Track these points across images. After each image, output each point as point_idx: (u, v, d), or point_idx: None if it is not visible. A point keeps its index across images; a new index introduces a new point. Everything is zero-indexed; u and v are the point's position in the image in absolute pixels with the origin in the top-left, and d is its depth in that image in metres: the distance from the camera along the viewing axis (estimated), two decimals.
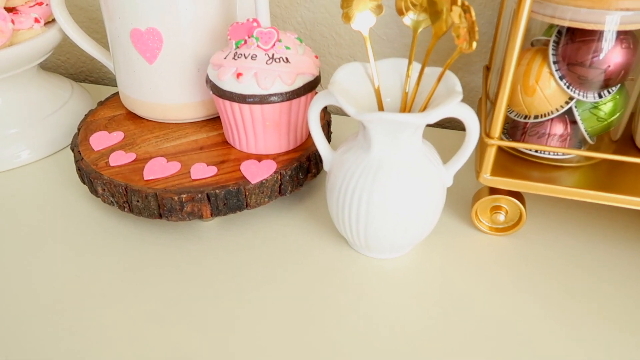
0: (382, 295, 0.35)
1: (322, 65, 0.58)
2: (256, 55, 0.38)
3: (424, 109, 0.34)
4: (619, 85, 0.36)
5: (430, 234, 0.39)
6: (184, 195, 0.37)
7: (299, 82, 0.39)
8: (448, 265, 0.38)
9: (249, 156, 0.41)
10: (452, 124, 0.56)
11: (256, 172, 0.39)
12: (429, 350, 0.32)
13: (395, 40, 0.54)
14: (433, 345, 0.32)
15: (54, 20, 0.51)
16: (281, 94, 0.38)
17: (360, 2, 0.34)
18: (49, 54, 0.50)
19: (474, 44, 0.29)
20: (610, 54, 0.34)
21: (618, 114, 0.37)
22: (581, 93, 0.36)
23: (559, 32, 0.35)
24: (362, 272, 0.37)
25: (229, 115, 0.40)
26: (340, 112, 0.58)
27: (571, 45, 0.35)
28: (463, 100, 0.38)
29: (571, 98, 0.36)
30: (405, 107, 0.36)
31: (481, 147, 0.38)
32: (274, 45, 0.38)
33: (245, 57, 0.38)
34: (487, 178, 0.38)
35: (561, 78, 0.36)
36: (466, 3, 0.29)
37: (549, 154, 0.39)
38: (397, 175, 0.33)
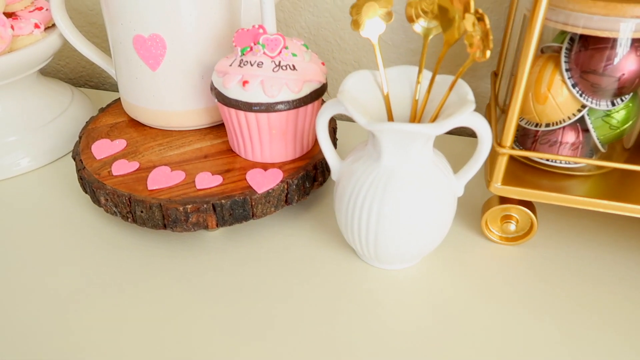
0: (392, 306, 0.35)
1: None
2: (262, 63, 0.37)
3: (435, 117, 0.33)
4: (631, 93, 0.35)
5: (440, 244, 0.38)
6: (189, 206, 0.36)
7: (306, 90, 0.38)
8: (458, 275, 0.37)
9: (254, 165, 0.40)
10: (459, 130, 0.55)
11: (262, 182, 0.38)
12: None
13: (401, 45, 0.53)
14: (446, 356, 0.31)
15: (54, 25, 0.50)
16: (288, 102, 0.37)
17: (369, 9, 0.33)
18: (49, 60, 0.49)
19: (488, 53, 0.29)
20: (624, 62, 0.33)
21: (631, 122, 0.37)
22: (594, 101, 0.35)
23: (571, 39, 0.35)
24: (372, 283, 0.36)
25: (234, 123, 0.39)
26: (345, 117, 0.57)
27: (584, 52, 0.34)
28: None
29: (583, 106, 0.36)
30: (415, 115, 0.35)
31: (492, 156, 0.37)
32: (280, 52, 0.37)
33: (252, 65, 0.37)
34: (498, 187, 0.37)
35: (574, 86, 0.35)
36: (480, 11, 0.28)
37: (561, 163, 0.38)
38: (408, 186, 0.33)
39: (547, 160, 0.38)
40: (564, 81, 0.35)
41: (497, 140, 0.36)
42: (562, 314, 0.34)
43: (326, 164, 0.42)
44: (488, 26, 0.28)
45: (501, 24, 0.50)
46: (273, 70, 0.37)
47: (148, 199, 0.37)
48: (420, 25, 0.34)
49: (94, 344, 0.32)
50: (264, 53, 0.37)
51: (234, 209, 0.37)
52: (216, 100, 0.39)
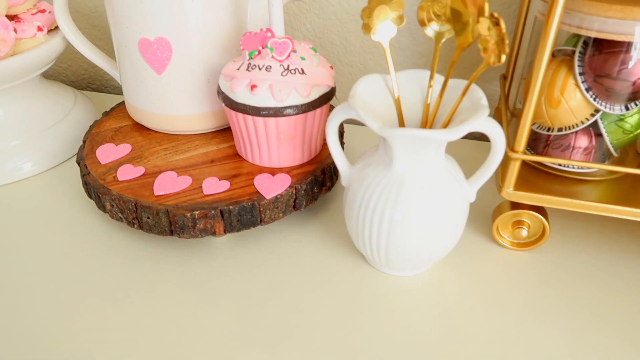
0: (404, 313, 0.34)
1: None
2: (271, 67, 0.36)
3: (448, 122, 0.33)
4: None
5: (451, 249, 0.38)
6: (197, 212, 0.36)
7: (315, 94, 0.37)
8: (469, 282, 0.36)
9: (262, 170, 0.40)
10: (467, 133, 0.55)
11: (270, 187, 0.38)
12: None
13: (408, 48, 0.53)
14: None
15: (56, 27, 0.49)
16: (297, 106, 0.37)
17: (381, 12, 0.33)
18: (51, 63, 0.48)
19: (504, 57, 0.28)
20: (639, 66, 0.33)
21: None
22: (608, 105, 0.35)
23: (585, 43, 0.34)
24: (383, 290, 0.36)
25: (241, 127, 0.39)
26: (351, 120, 0.56)
27: (598, 56, 0.34)
28: None
29: (597, 110, 0.35)
30: (427, 120, 0.35)
31: (503, 161, 0.37)
32: (289, 55, 0.37)
33: (260, 69, 0.37)
34: (510, 193, 0.36)
35: (587, 90, 0.35)
36: (495, 14, 0.28)
37: (573, 168, 0.38)
38: (420, 192, 0.32)
39: (559, 165, 0.38)
40: (577, 85, 0.35)
41: (509, 145, 0.35)
42: (573, 322, 0.34)
43: (334, 168, 0.42)
44: (504, 30, 0.27)
45: (509, 27, 0.50)
46: (282, 74, 0.36)
47: (155, 205, 0.36)
48: (432, 29, 0.33)
49: (97, 352, 0.32)
50: (273, 57, 0.37)
51: (242, 215, 0.37)
52: (223, 104, 0.39)
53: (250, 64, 0.37)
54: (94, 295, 0.36)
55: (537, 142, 0.39)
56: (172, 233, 0.37)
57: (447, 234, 0.34)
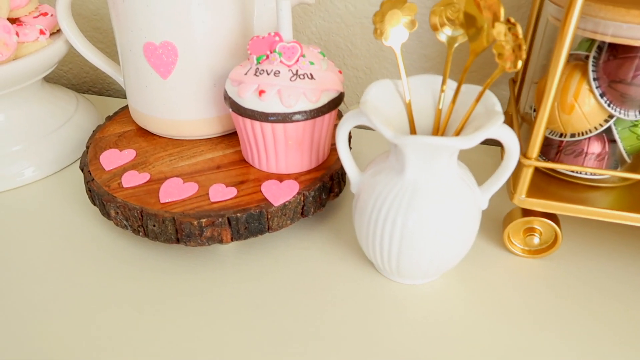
0: (415, 322, 0.33)
1: None
2: (279, 72, 0.36)
3: (461, 129, 0.32)
4: None
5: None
6: (204, 220, 0.35)
7: (324, 99, 0.37)
8: (481, 289, 0.36)
9: (269, 176, 0.39)
10: None
11: (278, 194, 0.37)
12: None
13: (415, 51, 0.52)
14: None
15: (59, 31, 0.49)
16: (305, 112, 0.36)
17: (393, 16, 0.32)
18: (54, 67, 0.47)
19: (520, 63, 0.28)
20: None
21: None
22: (622, 111, 0.34)
23: (599, 48, 0.34)
24: (392, 298, 0.35)
25: (248, 133, 0.38)
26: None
27: (613, 61, 0.33)
28: None
29: (610, 116, 0.35)
30: (439, 126, 0.34)
31: (515, 167, 0.36)
32: (297, 60, 0.36)
33: (268, 74, 0.36)
34: (523, 199, 0.36)
35: (602, 95, 0.34)
36: (512, 20, 0.27)
37: (585, 174, 0.37)
38: (433, 200, 0.32)
39: (572, 171, 0.37)
40: (591, 90, 0.34)
41: (522, 151, 0.35)
42: (585, 331, 0.33)
43: (342, 174, 0.41)
44: (521, 36, 0.27)
45: None
46: (290, 80, 0.36)
47: (161, 212, 0.36)
48: (444, 34, 0.32)
49: None
50: (281, 61, 0.36)
51: (250, 222, 0.36)
52: (230, 109, 0.38)
53: (258, 68, 0.36)
54: (98, 304, 0.35)
55: (549, 148, 0.38)
56: (178, 241, 0.36)
57: (459, 243, 0.33)
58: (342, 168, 0.41)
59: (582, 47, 0.36)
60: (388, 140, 0.30)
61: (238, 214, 0.36)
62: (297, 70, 0.36)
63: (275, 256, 0.39)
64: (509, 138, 0.30)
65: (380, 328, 0.33)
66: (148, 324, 0.34)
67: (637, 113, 0.34)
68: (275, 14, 0.41)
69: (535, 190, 0.37)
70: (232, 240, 0.36)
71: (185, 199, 0.37)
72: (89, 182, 0.39)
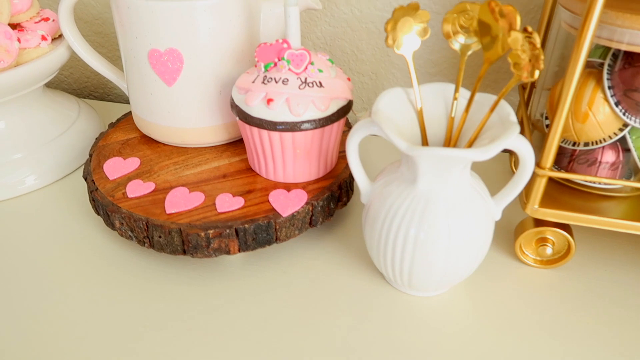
0: (425, 334, 0.33)
1: None
2: (288, 80, 0.35)
3: (474, 139, 0.32)
4: None
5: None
6: (211, 231, 0.34)
7: (333, 108, 0.36)
8: (492, 301, 0.35)
9: (276, 185, 0.39)
10: None
11: (286, 204, 0.37)
12: None
13: (421, 57, 0.51)
14: None
15: (60, 36, 0.48)
16: (314, 120, 0.36)
17: (405, 24, 0.31)
18: (55, 73, 0.47)
19: (537, 73, 0.27)
20: None
21: None
22: (637, 120, 0.34)
23: (614, 55, 0.33)
24: (403, 310, 0.34)
25: (256, 142, 0.37)
26: None
27: (628, 69, 0.33)
28: None
29: (625, 125, 0.34)
30: (451, 135, 0.33)
31: None
32: (306, 68, 0.35)
33: (276, 82, 0.35)
34: (536, 209, 0.35)
35: (617, 104, 0.33)
36: (529, 29, 0.27)
37: (599, 184, 0.36)
38: (446, 212, 0.31)
39: (585, 180, 0.36)
40: (606, 99, 0.34)
41: (535, 160, 0.34)
42: (597, 342, 0.32)
43: (350, 182, 0.40)
44: (539, 45, 0.26)
45: None
46: (299, 88, 0.35)
47: (167, 223, 0.35)
48: (458, 42, 0.32)
49: None
50: (290, 69, 0.35)
51: (258, 233, 0.35)
52: (237, 118, 0.37)
53: (266, 76, 0.36)
54: (102, 317, 0.34)
55: (561, 157, 0.37)
56: (184, 252, 0.35)
57: (472, 254, 0.32)
58: (350, 176, 0.40)
59: (595, 54, 0.35)
60: (401, 151, 0.29)
61: (246, 225, 0.35)
62: (305, 78, 0.35)
63: (283, 267, 0.38)
64: (525, 150, 0.30)
65: (391, 340, 0.33)
66: (154, 337, 0.33)
67: None
68: (281, 20, 0.40)
69: (548, 199, 0.36)
70: (239, 251, 0.36)
71: (192, 209, 0.36)
72: (92, 191, 0.39)
